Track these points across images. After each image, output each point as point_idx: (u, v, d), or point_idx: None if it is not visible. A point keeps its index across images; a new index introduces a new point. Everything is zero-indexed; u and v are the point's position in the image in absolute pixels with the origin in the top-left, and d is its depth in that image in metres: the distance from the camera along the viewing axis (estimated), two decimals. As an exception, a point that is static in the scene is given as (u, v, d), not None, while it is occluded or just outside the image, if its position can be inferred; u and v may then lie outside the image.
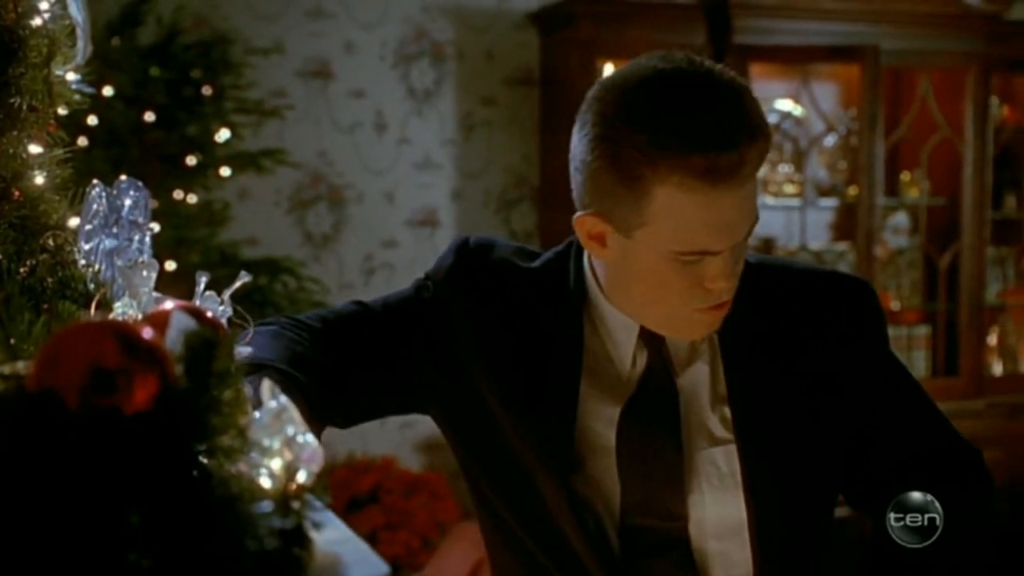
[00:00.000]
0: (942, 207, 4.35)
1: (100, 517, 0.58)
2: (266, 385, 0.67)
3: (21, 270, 0.94)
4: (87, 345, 0.62)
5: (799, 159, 4.25)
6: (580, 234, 1.20)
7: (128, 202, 0.99)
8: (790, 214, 4.29)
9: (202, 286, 0.95)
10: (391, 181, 4.05)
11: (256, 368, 1.04)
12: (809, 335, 1.26)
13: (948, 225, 4.36)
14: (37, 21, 0.98)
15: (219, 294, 0.96)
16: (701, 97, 1.09)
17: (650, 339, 1.25)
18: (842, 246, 4.32)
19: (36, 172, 0.99)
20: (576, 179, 1.18)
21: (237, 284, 0.98)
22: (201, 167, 3.23)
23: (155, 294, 0.91)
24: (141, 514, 0.58)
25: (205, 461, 0.62)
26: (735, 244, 1.15)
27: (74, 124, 1.12)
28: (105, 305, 0.91)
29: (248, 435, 0.64)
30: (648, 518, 1.24)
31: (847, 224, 4.32)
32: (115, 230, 0.98)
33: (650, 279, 1.16)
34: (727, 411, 1.24)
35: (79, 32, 1.02)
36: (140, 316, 0.88)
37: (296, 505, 0.63)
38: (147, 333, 0.64)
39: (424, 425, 3.95)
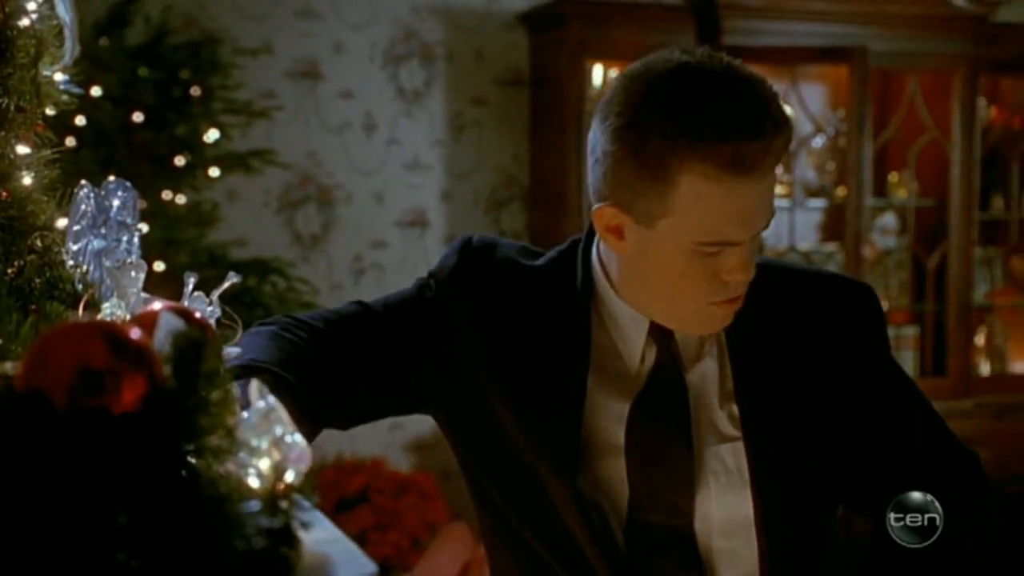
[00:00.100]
0: (930, 208, 4.37)
1: (88, 517, 0.58)
2: (254, 385, 0.68)
3: (9, 271, 0.94)
4: (75, 346, 0.62)
5: (787, 160, 4.25)
6: (598, 226, 1.20)
7: (116, 203, 0.99)
8: (779, 215, 4.26)
9: (190, 287, 0.95)
10: (380, 182, 4.05)
11: (249, 371, 1.04)
12: (813, 336, 1.27)
13: (936, 226, 4.38)
14: (25, 21, 0.98)
15: (208, 295, 0.96)
16: (727, 88, 1.11)
17: (660, 335, 1.25)
18: (830, 247, 4.33)
19: (24, 173, 0.99)
20: (596, 171, 1.18)
21: (226, 285, 0.98)
22: (190, 167, 3.22)
23: (143, 295, 0.91)
24: (129, 514, 0.58)
25: (193, 461, 0.62)
26: (754, 235, 1.16)
27: (62, 124, 1.11)
28: (93, 306, 0.91)
29: (236, 435, 0.64)
30: (655, 515, 1.24)
31: (835, 225, 4.34)
32: (103, 231, 0.98)
33: (668, 271, 1.17)
34: (734, 408, 1.24)
35: (67, 32, 1.02)
36: (128, 317, 0.88)
37: (284, 505, 0.63)
38: (135, 334, 0.64)
39: (414, 426, 3.98)
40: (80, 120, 2.76)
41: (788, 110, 1.15)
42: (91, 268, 0.97)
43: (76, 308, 0.91)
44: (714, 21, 3.83)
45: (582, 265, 1.28)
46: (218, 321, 0.97)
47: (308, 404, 1.12)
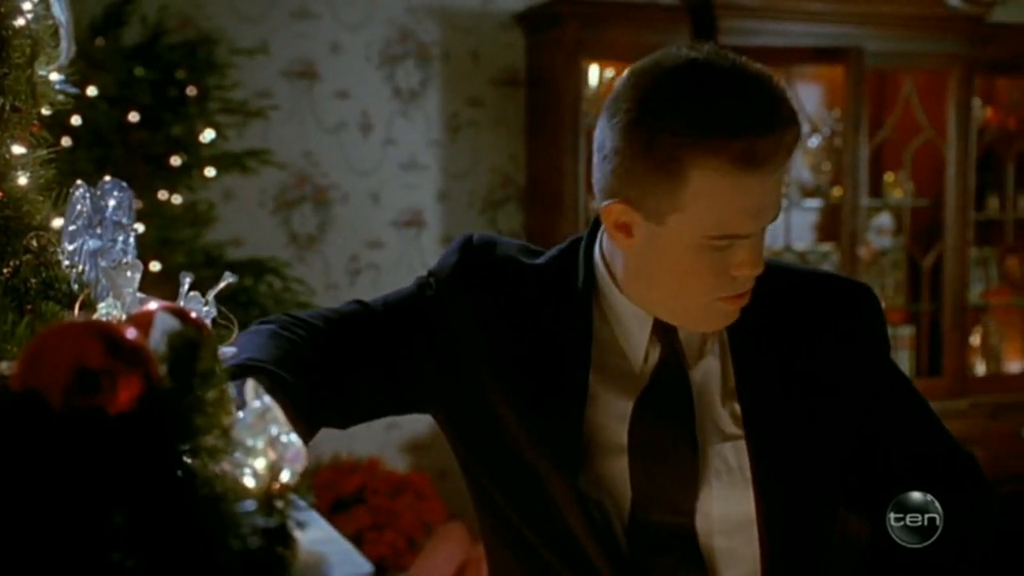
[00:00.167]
0: (925, 208, 4.38)
1: (84, 517, 0.58)
2: (250, 385, 0.68)
3: (4, 271, 0.94)
4: (71, 345, 0.62)
5: (784, 160, 4.26)
6: (606, 224, 1.20)
7: (112, 203, 0.99)
8: (775, 215, 4.30)
9: (186, 287, 0.95)
10: (376, 182, 4.05)
11: (246, 370, 1.04)
12: (813, 336, 1.27)
13: (931, 226, 4.38)
14: (20, 21, 0.98)
15: (203, 295, 0.96)
16: (737, 83, 1.11)
17: (663, 332, 1.25)
18: (826, 247, 4.34)
19: (19, 173, 0.99)
20: (603, 168, 1.18)
21: (221, 285, 0.98)
22: (186, 167, 3.22)
23: (139, 295, 0.91)
24: (125, 514, 0.58)
25: (189, 461, 0.62)
26: (762, 228, 1.17)
27: (58, 124, 1.11)
28: (89, 306, 0.91)
29: (232, 435, 0.65)
30: (657, 514, 1.24)
31: (831, 225, 4.35)
32: (99, 231, 0.98)
33: (677, 267, 1.17)
34: (736, 406, 1.24)
35: (62, 32, 1.02)
36: (124, 317, 0.88)
37: (280, 504, 0.63)
38: (131, 333, 0.64)
39: (410, 426, 3.98)
40: (76, 120, 2.75)
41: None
42: (87, 268, 0.97)
43: (72, 308, 0.91)
44: (710, 21, 3.83)
45: (584, 263, 1.28)
46: (214, 321, 0.97)
47: (305, 403, 1.12)
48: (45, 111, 1.03)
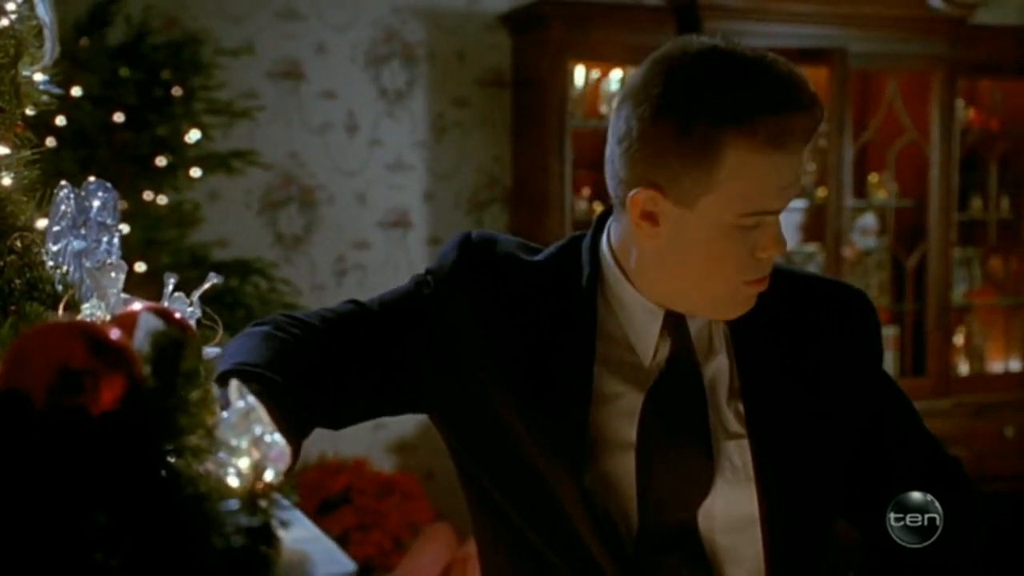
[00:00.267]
0: (909, 208, 4.40)
1: (68, 517, 0.58)
2: (234, 385, 0.68)
3: (-12, 271, 0.94)
4: (54, 346, 0.62)
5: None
6: (631, 214, 1.20)
7: (97, 203, 0.99)
8: (760, 215, 4.31)
9: (171, 287, 0.95)
10: (363, 182, 4.05)
11: (236, 376, 1.04)
12: (814, 339, 1.28)
13: (915, 226, 4.41)
14: (4, 22, 0.98)
15: (188, 296, 0.96)
16: (763, 66, 1.15)
17: (674, 327, 1.25)
18: (811, 247, 4.36)
19: (3, 173, 0.99)
20: (628, 157, 1.18)
21: (206, 285, 0.98)
22: (171, 168, 3.21)
23: (123, 296, 0.91)
24: (108, 514, 0.58)
25: (173, 461, 0.62)
26: (787, 206, 1.20)
27: (42, 125, 1.11)
28: (73, 306, 0.91)
29: (216, 435, 0.65)
30: (662, 512, 1.23)
31: (816, 225, 4.37)
32: (83, 231, 0.98)
33: (706, 251, 1.18)
34: (739, 405, 1.24)
35: (46, 32, 1.02)
36: (108, 317, 0.88)
37: (263, 503, 0.63)
38: (115, 334, 0.64)
39: (397, 426, 3.98)
40: (60, 120, 2.74)
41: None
42: (71, 269, 0.97)
43: (56, 309, 0.91)
44: (695, 22, 3.85)
45: (590, 258, 1.28)
46: (199, 322, 0.97)
47: (297, 405, 1.10)
48: (29, 111, 1.02)
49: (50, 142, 2.60)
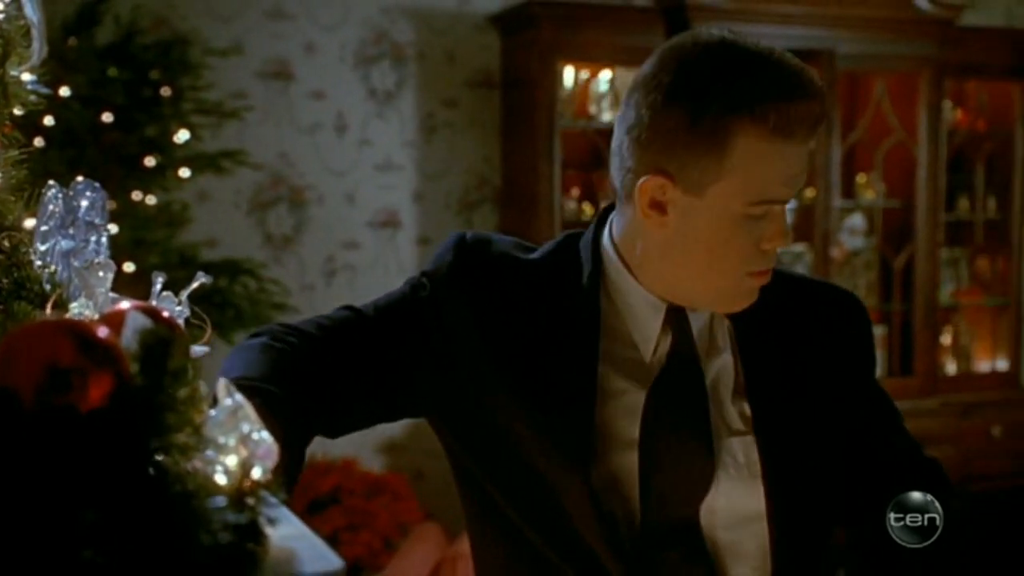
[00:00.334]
0: (897, 209, 4.42)
1: (56, 514, 0.58)
2: (222, 383, 0.68)
3: (-24, 271, 0.94)
4: (43, 344, 0.63)
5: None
6: (641, 201, 1.20)
7: (85, 203, 0.99)
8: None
9: (159, 286, 0.95)
10: (352, 182, 4.05)
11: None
12: (813, 340, 1.29)
13: (903, 227, 4.43)
14: (-8, 22, 0.98)
15: (177, 295, 0.96)
16: (771, 57, 1.16)
17: (676, 321, 1.25)
18: (799, 247, 4.37)
19: (-9, 173, 0.99)
20: (635, 145, 1.19)
21: (195, 284, 0.98)
22: (160, 168, 3.21)
23: (112, 295, 0.91)
24: (96, 511, 0.58)
25: (160, 458, 0.62)
26: (794, 196, 1.22)
27: (30, 125, 1.11)
28: (61, 306, 0.91)
29: (203, 432, 0.65)
30: (664, 508, 1.22)
31: (804, 225, 4.38)
32: (71, 231, 0.98)
33: (713, 241, 1.19)
34: (743, 402, 1.25)
35: (34, 32, 1.02)
36: (96, 316, 0.88)
37: (251, 501, 0.64)
38: (103, 332, 0.64)
39: (386, 426, 3.96)
40: (49, 120, 2.73)
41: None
42: (59, 268, 0.97)
43: (44, 308, 0.91)
44: (684, 23, 3.85)
45: (592, 254, 1.28)
46: (187, 321, 0.97)
47: (294, 414, 1.10)
48: (17, 111, 1.02)
49: (38, 142, 2.60)
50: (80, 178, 1.01)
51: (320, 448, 3.76)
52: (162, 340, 0.64)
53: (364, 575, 3.48)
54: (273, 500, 0.66)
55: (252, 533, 0.63)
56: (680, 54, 1.19)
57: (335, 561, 0.66)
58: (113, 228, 1.02)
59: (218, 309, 3.18)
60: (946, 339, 4.59)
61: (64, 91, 2.91)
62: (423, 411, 1.30)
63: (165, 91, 3.22)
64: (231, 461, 0.65)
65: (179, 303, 0.96)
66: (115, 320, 0.71)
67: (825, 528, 1.31)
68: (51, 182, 0.99)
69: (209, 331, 0.99)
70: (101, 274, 0.91)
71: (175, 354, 0.64)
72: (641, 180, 1.19)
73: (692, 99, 1.15)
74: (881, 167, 4.35)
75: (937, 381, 4.41)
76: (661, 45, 1.22)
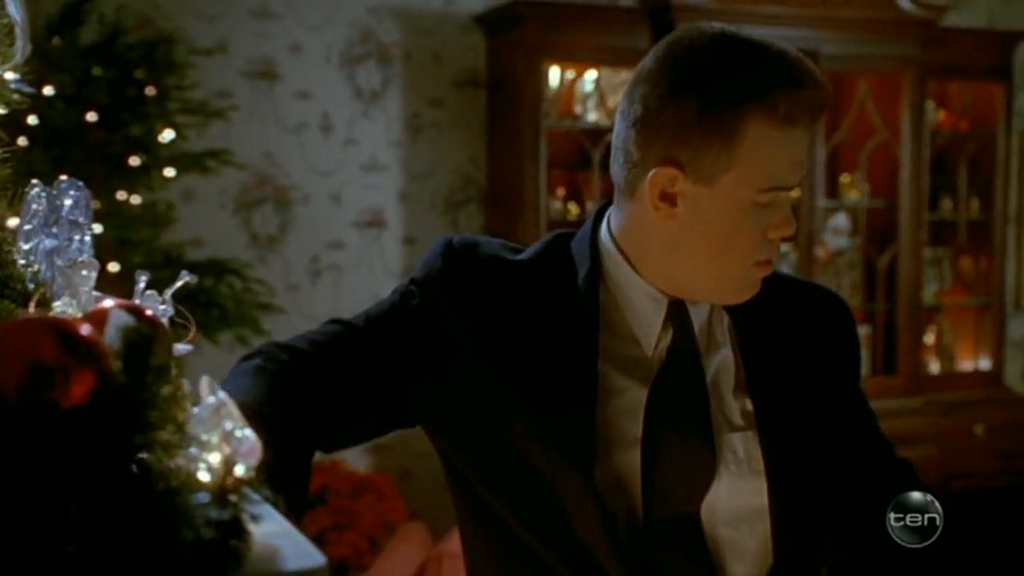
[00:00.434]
0: (880, 209, 4.44)
1: (39, 510, 0.58)
2: (204, 381, 0.68)
3: (-41, 269, 0.94)
4: (25, 341, 0.63)
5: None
6: (651, 194, 1.20)
7: (68, 202, 0.99)
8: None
9: (142, 285, 0.96)
10: (337, 182, 4.05)
11: None
12: (799, 338, 1.30)
13: (886, 227, 4.45)
14: (-25, 21, 0.98)
15: (161, 294, 0.97)
16: (774, 47, 1.19)
17: (677, 316, 1.25)
18: (784, 247, 4.38)
19: (-26, 172, 0.99)
20: (642, 138, 1.20)
21: (179, 283, 0.98)
22: (145, 168, 3.20)
23: (95, 293, 0.91)
24: (79, 507, 0.59)
25: (143, 455, 0.63)
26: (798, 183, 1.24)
27: (14, 124, 1.11)
28: (44, 304, 0.91)
29: (186, 429, 0.65)
30: (666, 505, 1.21)
31: (789, 225, 4.40)
32: (55, 230, 0.98)
33: (722, 229, 1.20)
34: (744, 398, 1.25)
35: (18, 31, 1.02)
36: (80, 315, 0.88)
37: (234, 498, 0.64)
38: (85, 329, 0.65)
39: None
40: (32, 119, 2.73)
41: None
42: (42, 267, 0.97)
43: (27, 306, 0.91)
44: (668, 24, 3.87)
45: (590, 250, 1.27)
46: (171, 320, 0.97)
47: (293, 434, 1.09)
48: (1, 110, 1.02)
49: (22, 141, 2.59)
50: (64, 177, 1.01)
51: (306, 448, 3.76)
52: (145, 338, 0.64)
53: (350, 575, 3.48)
54: (256, 497, 0.67)
55: (235, 529, 0.63)
56: (684, 46, 1.20)
57: (318, 558, 0.66)
58: (97, 228, 1.03)
59: (203, 309, 3.18)
60: (929, 339, 4.62)
61: (48, 90, 2.91)
62: (420, 420, 1.29)
63: (150, 90, 3.22)
64: (214, 458, 0.66)
65: (163, 302, 0.96)
66: (98, 318, 0.71)
67: (825, 524, 1.32)
68: (35, 181, 0.99)
69: (193, 330, 0.99)
70: (84, 273, 0.91)
71: (158, 352, 0.65)
72: (651, 173, 1.19)
73: (701, 90, 1.17)
74: (865, 167, 4.38)
75: (920, 380, 4.43)
76: (661, 40, 1.23)
